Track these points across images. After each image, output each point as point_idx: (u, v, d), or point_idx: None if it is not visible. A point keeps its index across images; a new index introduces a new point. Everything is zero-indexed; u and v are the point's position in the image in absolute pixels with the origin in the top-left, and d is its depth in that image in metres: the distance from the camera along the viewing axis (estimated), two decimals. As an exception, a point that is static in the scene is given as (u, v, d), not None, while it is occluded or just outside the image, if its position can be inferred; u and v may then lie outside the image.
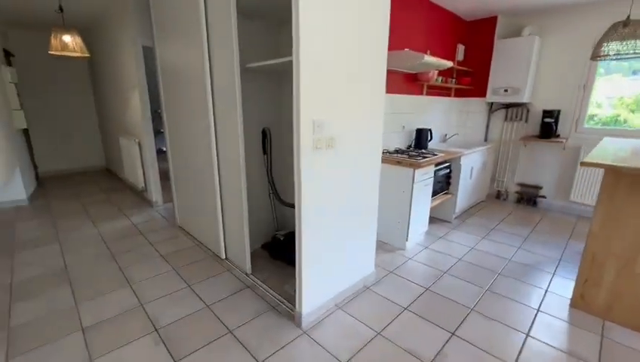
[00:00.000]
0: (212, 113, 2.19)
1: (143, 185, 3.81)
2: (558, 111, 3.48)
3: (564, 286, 2.17)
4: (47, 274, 2.27)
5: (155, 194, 3.73)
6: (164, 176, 4.49)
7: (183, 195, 2.93)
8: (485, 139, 4.19)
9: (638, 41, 2.15)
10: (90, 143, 5.62)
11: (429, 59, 2.68)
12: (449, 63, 2.95)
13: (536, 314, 1.88)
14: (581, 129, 3.48)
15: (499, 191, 4.19)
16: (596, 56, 2.30)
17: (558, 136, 3.56)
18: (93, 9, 3.74)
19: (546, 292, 2.12)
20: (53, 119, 5.18)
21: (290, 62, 1.49)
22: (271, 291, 2.07)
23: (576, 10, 3.30)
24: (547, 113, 3.50)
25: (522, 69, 3.53)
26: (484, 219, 3.48)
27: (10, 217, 3.37)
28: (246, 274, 2.29)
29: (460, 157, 3.13)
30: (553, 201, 3.77)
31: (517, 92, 3.59)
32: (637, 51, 2.16)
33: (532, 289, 2.15)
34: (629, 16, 2.16)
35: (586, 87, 3.38)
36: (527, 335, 1.71)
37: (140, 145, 3.70)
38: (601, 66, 3.31)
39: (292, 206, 2.48)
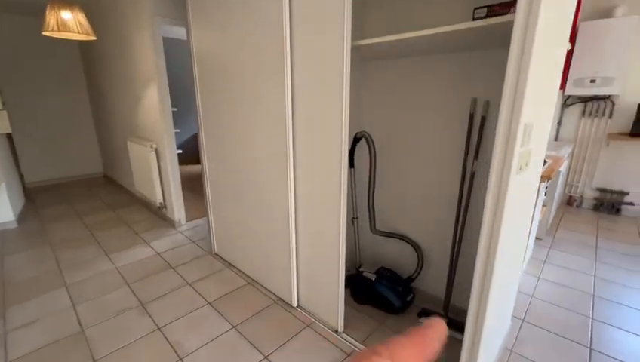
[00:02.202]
0: (290, 111, 1.55)
1: (162, 200, 3.13)
2: (660, 105, 2.97)
3: None
4: (55, 343, 1.60)
5: (178, 211, 3.05)
6: (185, 185, 3.79)
7: (225, 215, 2.28)
8: (556, 138, 3.66)
9: None
10: (84, 147, 4.83)
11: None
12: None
13: None
14: (685, 125, 2.98)
15: (570, 196, 3.68)
16: None
17: (654, 133, 3.05)
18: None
19: None
20: (40, 120, 4.38)
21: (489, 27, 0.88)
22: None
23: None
24: (645, 107, 2.99)
25: (616, 56, 2.99)
26: (574, 232, 2.95)
27: (-4, 247, 2.65)
28: (336, 331, 1.68)
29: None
30: (644, 209, 3.27)
31: (609, 82, 3.06)
32: None
33: None
34: None
35: (694, 76, 2.87)
36: None
37: (157, 151, 3.01)
38: None
39: (394, 236, 1.86)
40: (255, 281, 2.14)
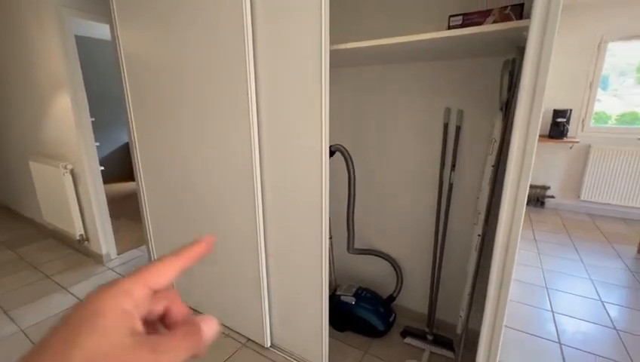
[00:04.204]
0: (255, 124, 1.32)
1: (83, 232, 2.55)
2: (570, 111, 3.43)
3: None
4: None
5: (106, 243, 2.52)
6: (113, 209, 3.24)
7: (171, 243, 1.87)
8: (489, 141, 4.02)
9: None
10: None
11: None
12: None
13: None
14: (588, 128, 3.51)
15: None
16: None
17: (566, 135, 3.53)
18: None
19: (668, 319, 1.84)
20: None
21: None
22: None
23: (581, 7, 3.27)
24: (559, 113, 3.43)
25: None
26: (514, 227, 3.22)
27: None
28: (320, 370, 1.49)
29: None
30: (562, 201, 3.76)
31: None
32: None
33: (653, 318, 1.85)
34: None
35: (592, 86, 3.39)
36: None
37: (73, 173, 2.45)
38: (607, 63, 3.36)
39: (371, 253, 1.76)
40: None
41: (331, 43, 1.15)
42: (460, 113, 1.47)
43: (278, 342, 1.62)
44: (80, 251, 2.68)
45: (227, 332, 1.74)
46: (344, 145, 1.55)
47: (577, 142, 3.46)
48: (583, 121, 3.50)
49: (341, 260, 2.01)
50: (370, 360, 1.56)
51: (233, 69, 1.30)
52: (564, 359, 1.56)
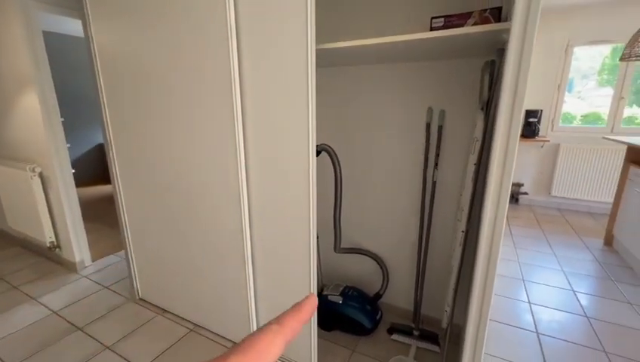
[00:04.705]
0: (240, 123, 1.29)
1: (54, 238, 2.41)
2: (541, 111, 3.61)
3: None
4: None
5: (79, 250, 2.39)
6: (86, 214, 3.14)
7: (151, 247, 1.85)
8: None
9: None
10: None
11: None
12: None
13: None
14: (557, 128, 3.70)
15: (480, 191, 4.21)
16: (629, 57, 2.28)
17: (537, 134, 3.71)
18: None
19: (631, 305, 1.97)
20: None
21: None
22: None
23: (550, 12, 3.45)
24: (530, 113, 3.60)
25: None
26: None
27: None
28: (309, 371, 1.48)
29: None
30: (534, 197, 3.94)
31: (504, 92, 3.59)
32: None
33: (620, 305, 1.98)
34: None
35: (560, 88, 3.59)
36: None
37: (42, 176, 2.31)
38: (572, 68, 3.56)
39: (357, 252, 1.78)
40: (200, 327, 1.77)
41: (317, 43, 1.14)
42: (442, 113, 1.51)
43: (266, 345, 1.60)
44: (51, 259, 2.53)
45: (212, 336, 1.70)
46: (330, 145, 1.55)
47: (548, 141, 3.65)
48: (552, 121, 3.69)
49: (327, 260, 2.01)
50: (358, 359, 1.57)
51: (217, 67, 1.27)
52: (541, 347, 1.63)
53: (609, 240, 2.79)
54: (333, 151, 1.49)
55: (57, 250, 2.44)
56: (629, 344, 1.65)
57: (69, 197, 2.31)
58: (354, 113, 1.72)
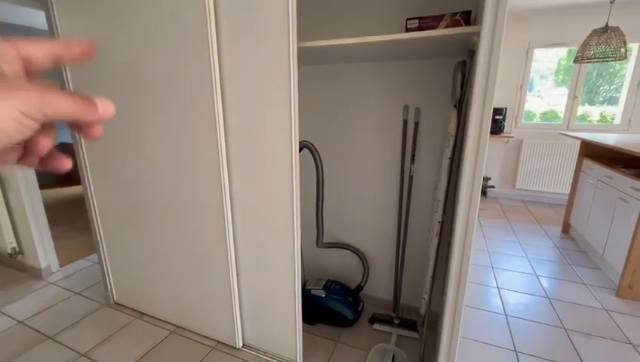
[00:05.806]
0: (222, 120, 1.29)
1: (15, 244, 2.25)
2: (505, 109, 3.84)
3: (596, 277, 2.28)
4: None
5: (45, 255, 2.25)
6: (52, 217, 2.99)
7: (126, 249, 1.78)
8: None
9: (610, 46, 2.43)
10: None
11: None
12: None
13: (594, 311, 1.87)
14: (520, 125, 3.96)
15: (452, 185, 4.42)
16: (581, 59, 2.49)
17: (503, 131, 3.95)
18: None
19: (586, 285, 2.17)
20: None
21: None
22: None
23: (513, 16, 3.67)
24: (496, 111, 3.82)
25: (475, 70, 3.73)
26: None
27: None
28: (295, 364, 1.51)
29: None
30: (500, 190, 4.19)
31: (472, 91, 3.79)
32: (612, 55, 2.43)
33: (577, 286, 2.17)
34: (607, 23, 2.40)
35: (522, 87, 3.83)
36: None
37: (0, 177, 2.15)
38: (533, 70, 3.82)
39: (338, 246, 1.82)
40: (182, 328, 1.74)
41: (298, 40, 1.16)
42: (418, 110, 1.58)
43: (251, 342, 1.61)
44: (13, 266, 2.36)
45: (193, 337, 1.68)
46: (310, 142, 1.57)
47: (512, 137, 3.89)
48: (515, 118, 3.94)
49: (309, 255, 2.04)
50: (342, 349, 1.62)
51: (196, 64, 1.25)
52: (509, 328, 1.76)
53: (566, 228, 3.04)
54: (315, 147, 1.52)
55: (20, 256, 2.29)
56: (585, 320, 1.82)
57: (31, 198, 2.17)
58: (332, 111, 1.76)
